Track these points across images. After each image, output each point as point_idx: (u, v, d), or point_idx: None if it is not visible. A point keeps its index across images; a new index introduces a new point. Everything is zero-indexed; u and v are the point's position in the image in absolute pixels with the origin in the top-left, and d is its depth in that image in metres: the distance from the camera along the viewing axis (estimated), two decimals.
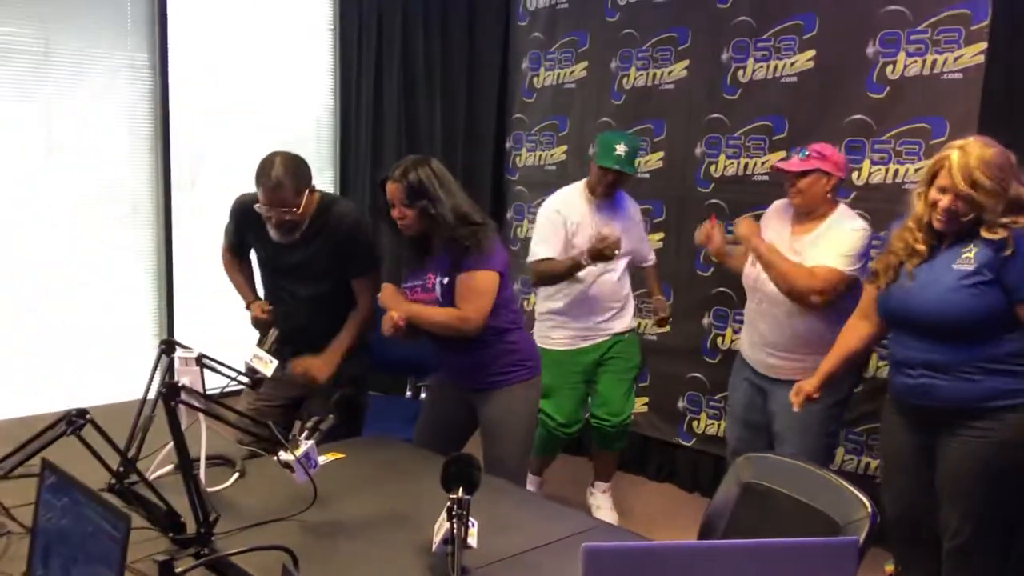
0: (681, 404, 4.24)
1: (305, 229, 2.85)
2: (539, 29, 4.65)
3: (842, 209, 3.15)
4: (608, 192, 3.56)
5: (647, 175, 4.26)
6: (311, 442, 2.00)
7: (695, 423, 4.19)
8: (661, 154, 4.23)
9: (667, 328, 4.00)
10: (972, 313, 2.42)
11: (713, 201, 3.93)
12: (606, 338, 3.67)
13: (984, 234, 2.41)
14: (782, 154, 3.69)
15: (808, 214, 3.12)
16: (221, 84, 4.46)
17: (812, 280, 3.00)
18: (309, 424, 2.04)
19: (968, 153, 2.39)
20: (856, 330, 2.81)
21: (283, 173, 2.71)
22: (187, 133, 4.32)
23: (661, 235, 4.23)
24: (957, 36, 3.30)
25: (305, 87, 4.86)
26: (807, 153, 3.08)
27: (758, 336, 3.21)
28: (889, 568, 3.10)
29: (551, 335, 3.66)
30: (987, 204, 2.37)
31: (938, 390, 2.51)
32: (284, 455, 1.96)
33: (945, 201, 2.41)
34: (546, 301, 3.69)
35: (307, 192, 2.80)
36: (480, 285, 2.66)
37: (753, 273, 3.20)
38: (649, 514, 3.97)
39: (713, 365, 4.09)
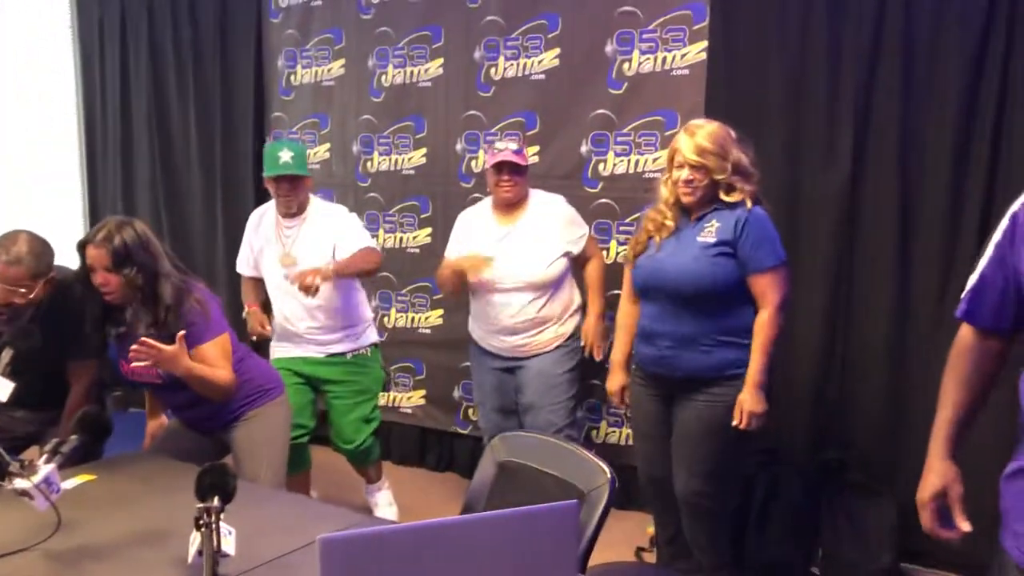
0: (457, 393, 4.34)
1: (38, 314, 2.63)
2: (292, 26, 4.58)
3: (533, 191, 3.47)
4: (289, 205, 3.41)
5: (412, 171, 4.32)
6: (51, 466, 1.90)
7: (471, 411, 4.31)
8: (424, 150, 4.30)
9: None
10: (712, 281, 2.68)
11: (475, 195, 4.04)
12: (319, 355, 3.52)
13: (724, 198, 2.71)
14: (536, 148, 3.88)
15: (515, 205, 3.41)
16: None
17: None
18: (48, 447, 1.94)
19: (692, 131, 2.73)
20: (628, 314, 3.03)
21: (26, 252, 2.52)
22: None
23: (429, 230, 4.31)
24: (683, 35, 3.60)
25: (45, 90, 4.54)
26: (519, 148, 3.40)
27: (499, 324, 3.42)
28: (651, 530, 3.36)
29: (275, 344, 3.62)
30: (715, 166, 2.68)
31: (678, 361, 2.76)
32: (20, 482, 1.84)
33: (684, 174, 2.70)
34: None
35: (42, 281, 2.59)
36: (226, 348, 2.61)
37: (488, 271, 3.38)
38: (430, 504, 4.04)
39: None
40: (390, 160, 4.38)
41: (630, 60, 3.70)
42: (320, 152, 4.61)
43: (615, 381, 3.08)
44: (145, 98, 4.88)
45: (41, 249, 2.59)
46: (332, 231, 3.42)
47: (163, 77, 4.87)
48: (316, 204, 3.52)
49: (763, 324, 2.69)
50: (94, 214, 5.21)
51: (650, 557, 3.39)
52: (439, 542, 1.17)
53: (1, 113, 4.25)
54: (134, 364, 2.40)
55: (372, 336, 3.63)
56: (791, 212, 3.37)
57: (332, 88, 4.52)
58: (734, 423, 2.69)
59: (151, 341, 2.32)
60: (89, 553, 1.89)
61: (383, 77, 4.36)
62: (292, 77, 4.64)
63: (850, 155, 3.29)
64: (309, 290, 3.12)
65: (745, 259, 2.68)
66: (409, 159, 4.32)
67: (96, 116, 4.96)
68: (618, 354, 3.07)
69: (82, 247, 2.49)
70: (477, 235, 3.46)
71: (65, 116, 4.71)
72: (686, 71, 3.60)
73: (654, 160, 3.66)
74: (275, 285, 3.49)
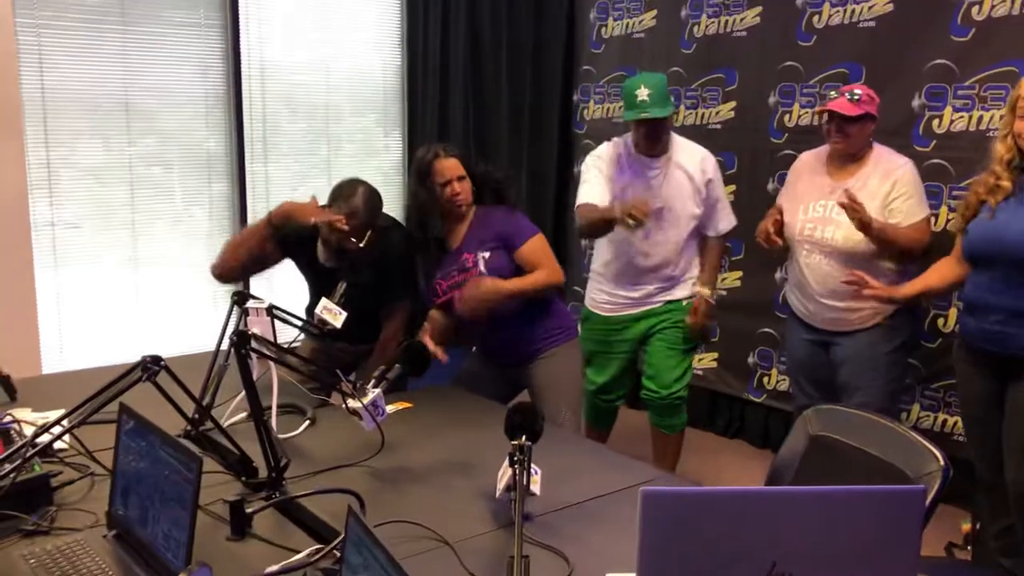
0: (751, 360, 4.18)
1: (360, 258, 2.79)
2: None
3: (878, 148, 3.12)
4: (652, 146, 3.25)
5: (718, 126, 4.17)
6: (378, 390, 2.04)
7: (766, 379, 4.13)
8: (733, 104, 4.13)
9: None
10: None
11: (786, 152, 3.82)
12: (656, 305, 3.41)
13: None
14: None
15: (850, 158, 3.09)
16: (292, 44, 4.50)
17: (925, 236, 3.04)
18: (376, 373, 2.08)
19: None
20: (940, 269, 2.76)
21: (362, 205, 2.68)
22: (258, 93, 4.38)
23: (732, 188, 4.14)
24: None
25: (372, 46, 4.87)
26: (858, 96, 3.02)
27: (812, 291, 3.16)
28: (966, 526, 3.04)
29: (595, 297, 3.52)
30: None
31: (1012, 339, 2.46)
32: (352, 403, 2.00)
33: None
34: (595, 261, 3.55)
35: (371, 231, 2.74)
36: (546, 246, 2.81)
37: (802, 225, 3.14)
38: (719, 469, 3.95)
39: (785, 320, 4.01)
40: (696, 114, 4.25)
41: (981, 3, 3.28)
42: None
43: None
44: (462, 51, 5.09)
45: (375, 203, 2.75)
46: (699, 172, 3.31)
47: (479, 33, 5.05)
48: (678, 142, 3.36)
49: None
50: (409, 162, 5.55)
51: (962, 555, 3.07)
52: (765, 511, 1.09)
53: (333, 70, 4.64)
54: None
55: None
56: None
57: (642, 40, 4.46)
58: None
59: None
60: (407, 474, 2.01)
61: (695, 28, 4.22)
62: (603, 30, 4.63)
63: None
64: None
65: None
66: (717, 112, 4.17)
67: (418, 72, 5.25)
68: (906, 289, 2.83)
69: (428, 165, 2.74)
70: (804, 185, 3.21)
71: (388, 72, 5.04)
72: None
73: (1001, 117, 3.23)
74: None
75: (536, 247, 2.76)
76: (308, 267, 2.90)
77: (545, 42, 4.85)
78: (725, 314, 4.22)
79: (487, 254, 2.71)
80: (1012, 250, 2.44)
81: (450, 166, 2.74)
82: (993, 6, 3.25)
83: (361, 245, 2.70)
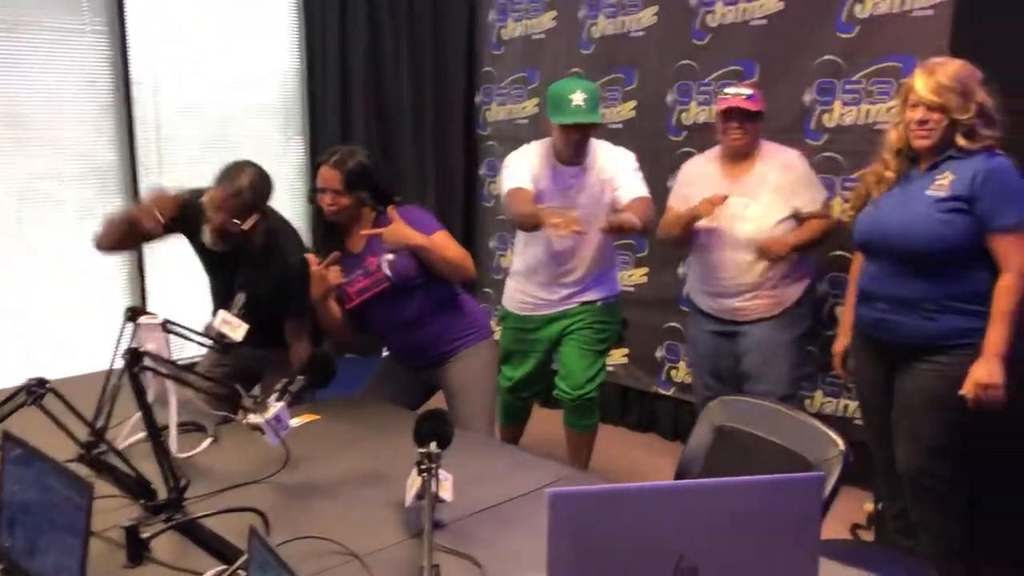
0: (659, 353, 4.24)
1: (252, 254, 2.76)
2: None
3: (766, 143, 3.23)
4: (576, 153, 3.17)
5: (619, 125, 4.21)
6: (281, 404, 1.98)
7: (673, 372, 4.20)
8: (634, 103, 4.19)
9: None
10: (941, 239, 2.44)
11: (685, 149, 3.89)
12: (571, 306, 3.39)
13: (962, 143, 2.45)
14: None
15: (743, 155, 3.19)
16: (184, 50, 4.37)
17: (831, 215, 3.25)
18: (278, 386, 2.02)
19: (931, 68, 2.48)
20: (855, 263, 2.87)
21: (247, 186, 2.62)
22: (150, 100, 4.24)
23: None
24: None
25: (269, 49, 4.77)
26: (751, 94, 3.14)
27: (719, 284, 3.24)
28: (869, 507, 3.15)
29: (513, 297, 3.51)
30: (956, 106, 2.42)
31: (900, 327, 2.55)
32: (253, 418, 1.93)
33: (919, 113, 2.47)
34: (514, 262, 3.53)
35: (257, 215, 2.68)
36: (446, 239, 2.72)
37: (709, 222, 3.20)
38: (632, 464, 3.99)
39: (689, 314, 4.09)
40: None
41: (864, 1, 3.40)
42: (528, 107, 4.59)
43: (839, 342, 2.89)
44: (362, 55, 5.02)
45: (262, 186, 2.70)
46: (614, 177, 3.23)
47: (379, 34, 4.99)
48: (598, 147, 3.26)
49: (1004, 290, 2.40)
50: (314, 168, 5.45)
51: (866, 535, 3.18)
52: (670, 505, 1.10)
53: (230, 74, 4.54)
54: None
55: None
56: None
57: (542, 41, 4.48)
58: (961, 392, 2.43)
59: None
60: (314, 489, 1.97)
61: (593, 28, 4.26)
62: (503, 31, 4.63)
63: None
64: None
65: (984, 215, 2.40)
66: (618, 112, 4.22)
67: (318, 76, 5.17)
68: (847, 313, 2.87)
69: (315, 170, 2.72)
70: (697, 185, 3.29)
71: (287, 75, 4.94)
72: (929, 11, 3.26)
73: (888, 110, 3.36)
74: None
75: (444, 238, 2.71)
76: (201, 251, 2.84)
77: (446, 45, 4.83)
78: (633, 310, 4.27)
79: (391, 256, 2.68)
80: (893, 240, 2.53)
81: (328, 177, 2.67)
82: (875, 4, 3.38)
83: (245, 228, 2.65)
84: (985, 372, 2.40)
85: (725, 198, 3.08)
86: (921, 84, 2.46)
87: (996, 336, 2.40)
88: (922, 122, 2.46)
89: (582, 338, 3.41)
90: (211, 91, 4.46)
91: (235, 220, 2.60)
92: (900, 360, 2.60)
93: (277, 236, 2.77)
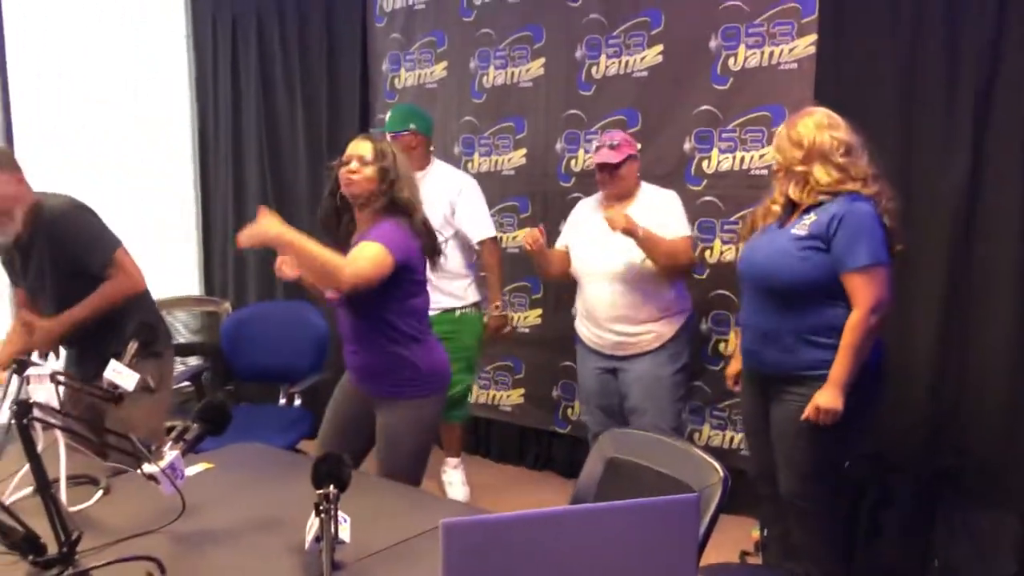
0: (555, 393, 4.34)
1: (23, 238, 2.80)
2: (397, 30, 4.67)
3: (646, 185, 3.46)
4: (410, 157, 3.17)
5: (511, 172, 4.34)
6: (176, 452, 1.97)
7: (569, 410, 4.30)
8: (524, 151, 4.33)
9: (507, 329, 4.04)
10: (792, 274, 2.61)
11: (574, 195, 4.04)
12: (433, 312, 3.32)
13: (793, 192, 2.67)
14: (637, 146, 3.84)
15: (623, 197, 3.40)
16: (68, 78, 4.32)
17: (688, 250, 3.35)
18: (173, 434, 2.01)
19: (790, 122, 2.72)
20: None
21: None
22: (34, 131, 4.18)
23: (528, 230, 4.30)
24: (791, 29, 3.52)
25: (161, 89, 4.75)
26: (616, 142, 3.35)
27: (600, 320, 3.40)
28: (755, 534, 3.29)
29: None
30: (785, 158, 2.67)
31: (765, 356, 2.72)
32: (148, 467, 1.92)
33: (773, 164, 2.74)
34: None
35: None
36: (367, 252, 2.46)
37: (588, 259, 3.40)
38: (529, 503, 4.05)
39: None
40: (490, 161, 4.41)
41: (736, 55, 3.64)
42: None
43: (731, 366, 3.07)
44: (255, 102, 5.04)
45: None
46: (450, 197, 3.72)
47: (272, 81, 5.01)
48: (436, 167, 3.86)
49: (851, 326, 2.56)
50: (206, 214, 5.40)
51: (755, 561, 3.32)
52: (560, 530, 1.17)
53: (119, 113, 4.48)
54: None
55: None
56: (905, 211, 3.24)
57: (435, 90, 4.59)
58: (803, 416, 2.59)
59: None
60: (211, 537, 1.96)
61: (484, 78, 4.40)
62: (396, 80, 4.72)
63: (969, 152, 3.15)
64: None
65: (838, 255, 2.56)
66: (509, 160, 4.35)
67: (209, 122, 5.14)
68: (739, 337, 3.01)
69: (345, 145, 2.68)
70: (582, 225, 3.51)
71: (179, 121, 4.91)
72: (794, 65, 3.51)
73: (760, 156, 3.59)
74: None
75: (361, 247, 2.48)
76: None
77: (340, 92, 4.88)
78: (528, 350, 4.38)
79: None
80: (758, 272, 2.70)
81: (359, 145, 2.61)
82: (746, 58, 3.61)
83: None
84: (825, 398, 2.56)
85: (541, 231, 3.36)
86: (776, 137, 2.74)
87: (840, 368, 2.56)
88: (774, 172, 2.73)
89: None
90: (98, 117, 4.42)
91: None
92: (771, 388, 2.75)
93: (40, 206, 2.81)
